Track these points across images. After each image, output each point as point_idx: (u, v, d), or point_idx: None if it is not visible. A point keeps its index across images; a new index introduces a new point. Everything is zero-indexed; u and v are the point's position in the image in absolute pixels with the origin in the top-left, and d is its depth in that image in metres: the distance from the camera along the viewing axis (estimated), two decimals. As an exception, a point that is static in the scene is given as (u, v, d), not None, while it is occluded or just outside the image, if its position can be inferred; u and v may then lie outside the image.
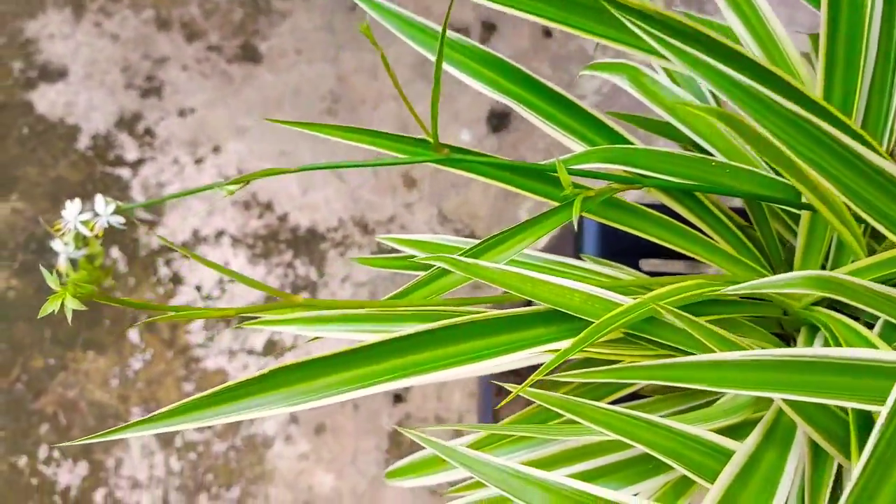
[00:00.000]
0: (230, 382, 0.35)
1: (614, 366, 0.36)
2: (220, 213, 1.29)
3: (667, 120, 0.49)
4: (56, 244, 0.57)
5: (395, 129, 1.37)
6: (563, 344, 0.37)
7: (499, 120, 1.36)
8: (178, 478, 1.18)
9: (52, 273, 0.60)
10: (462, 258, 0.36)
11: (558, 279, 0.38)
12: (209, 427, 1.21)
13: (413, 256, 0.51)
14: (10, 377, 1.22)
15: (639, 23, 0.37)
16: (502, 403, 0.42)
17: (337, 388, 0.33)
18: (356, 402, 1.23)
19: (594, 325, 0.35)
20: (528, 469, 0.33)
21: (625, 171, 0.45)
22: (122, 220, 0.54)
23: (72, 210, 0.55)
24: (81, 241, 0.60)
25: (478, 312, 0.36)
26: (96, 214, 0.53)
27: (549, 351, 0.37)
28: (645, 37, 0.37)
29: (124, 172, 1.31)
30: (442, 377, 0.34)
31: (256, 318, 0.40)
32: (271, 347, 1.24)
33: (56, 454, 1.19)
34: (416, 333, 0.34)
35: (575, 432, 0.39)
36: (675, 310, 0.37)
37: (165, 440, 1.20)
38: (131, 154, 1.32)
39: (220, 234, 1.28)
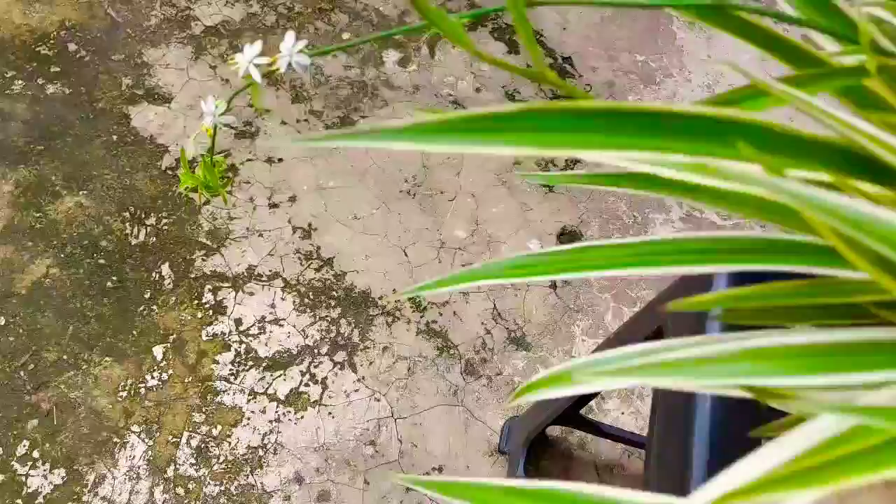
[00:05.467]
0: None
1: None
2: (281, 257, 1.27)
3: None
4: (207, 103, 0.56)
5: (466, 222, 1.38)
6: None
7: (570, 238, 1.37)
8: (158, 513, 1.06)
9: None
10: None
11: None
12: (207, 465, 1.10)
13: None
14: (15, 362, 1.13)
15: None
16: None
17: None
18: (368, 477, 1.13)
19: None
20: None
21: None
22: (306, 62, 0.53)
23: (249, 51, 0.54)
24: (227, 106, 0.58)
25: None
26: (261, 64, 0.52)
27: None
28: None
29: (197, 198, 1.31)
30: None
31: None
32: (296, 397, 1.16)
33: (36, 454, 1.08)
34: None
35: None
36: None
37: (157, 467, 1.09)
38: (209, 182, 1.32)
39: (274, 275, 1.25)
